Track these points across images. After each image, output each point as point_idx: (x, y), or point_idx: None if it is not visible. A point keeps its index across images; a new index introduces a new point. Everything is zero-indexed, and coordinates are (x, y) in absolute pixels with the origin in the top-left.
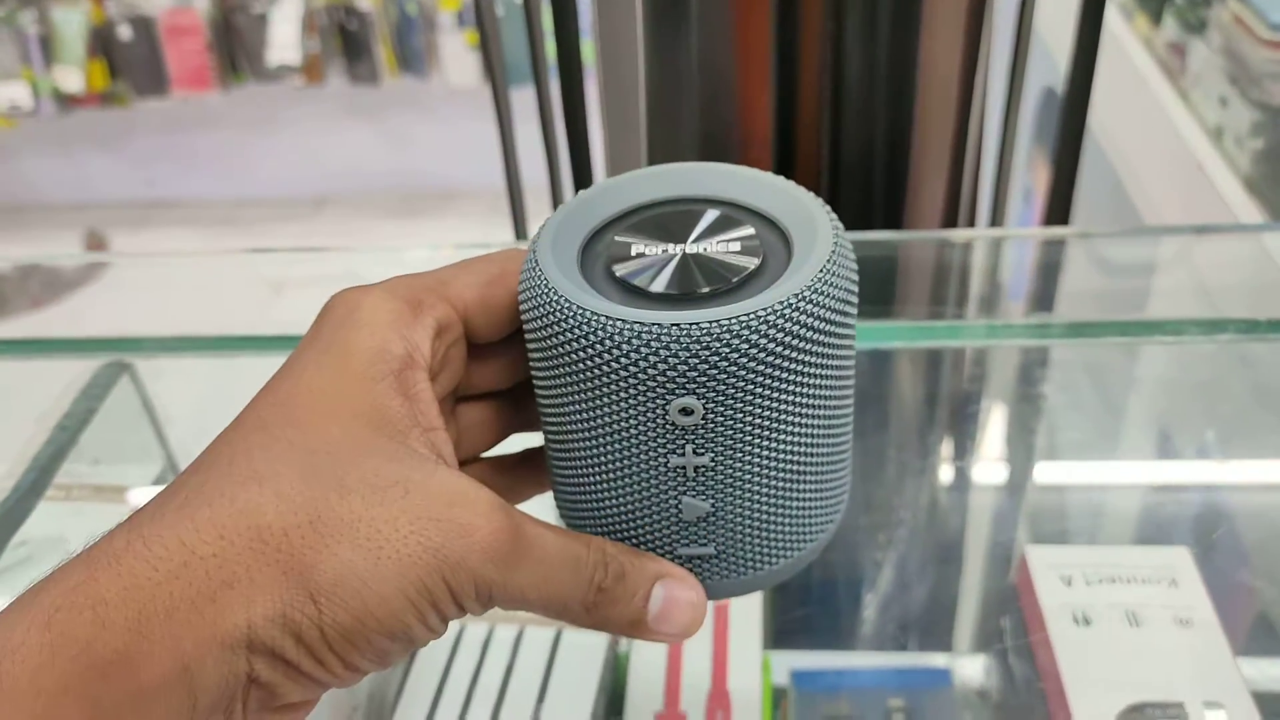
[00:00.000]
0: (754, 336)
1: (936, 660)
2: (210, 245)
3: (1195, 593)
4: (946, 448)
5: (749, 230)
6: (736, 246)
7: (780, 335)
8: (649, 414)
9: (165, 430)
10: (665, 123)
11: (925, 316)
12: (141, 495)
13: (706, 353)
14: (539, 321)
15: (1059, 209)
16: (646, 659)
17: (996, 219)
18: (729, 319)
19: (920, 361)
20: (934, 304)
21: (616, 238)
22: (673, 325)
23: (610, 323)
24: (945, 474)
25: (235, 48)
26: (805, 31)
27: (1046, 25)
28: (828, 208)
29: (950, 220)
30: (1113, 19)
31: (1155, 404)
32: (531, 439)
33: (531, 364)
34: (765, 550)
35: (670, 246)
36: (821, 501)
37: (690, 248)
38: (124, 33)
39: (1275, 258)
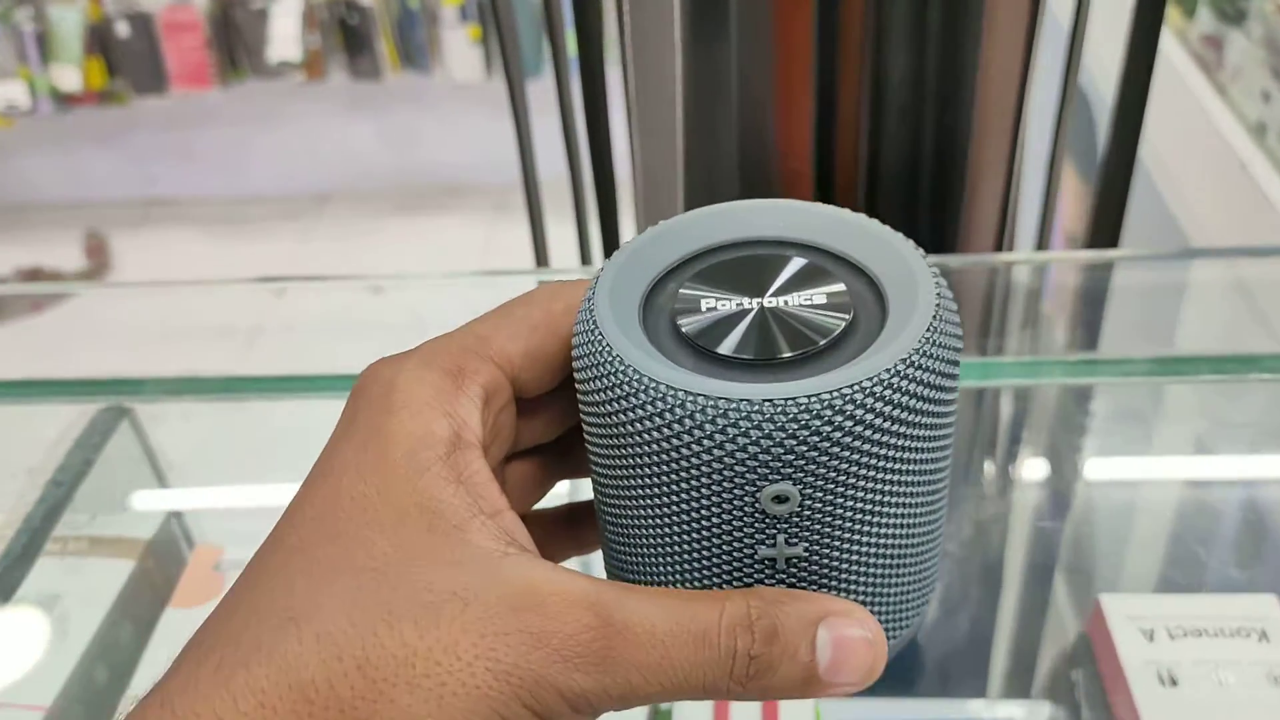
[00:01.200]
0: (860, 412)
1: (1001, 712)
2: (211, 244)
3: None
4: (1004, 483)
5: (837, 284)
6: (822, 300)
7: (889, 409)
8: (736, 502)
9: (168, 478)
10: (702, 129)
11: (983, 349)
12: (141, 551)
13: (806, 433)
14: (601, 392)
15: (1106, 232)
16: (692, 708)
17: (1042, 241)
18: (832, 393)
19: (971, 391)
20: (990, 332)
21: (683, 289)
22: (765, 402)
23: (690, 399)
24: (1006, 512)
25: (235, 44)
26: (846, 34)
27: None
28: (924, 254)
29: (1000, 242)
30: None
31: (1232, 442)
32: (578, 485)
33: (587, 429)
34: None
35: (745, 300)
36: (920, 583)
37: (769, 301)
38: (122, 30)
39: None
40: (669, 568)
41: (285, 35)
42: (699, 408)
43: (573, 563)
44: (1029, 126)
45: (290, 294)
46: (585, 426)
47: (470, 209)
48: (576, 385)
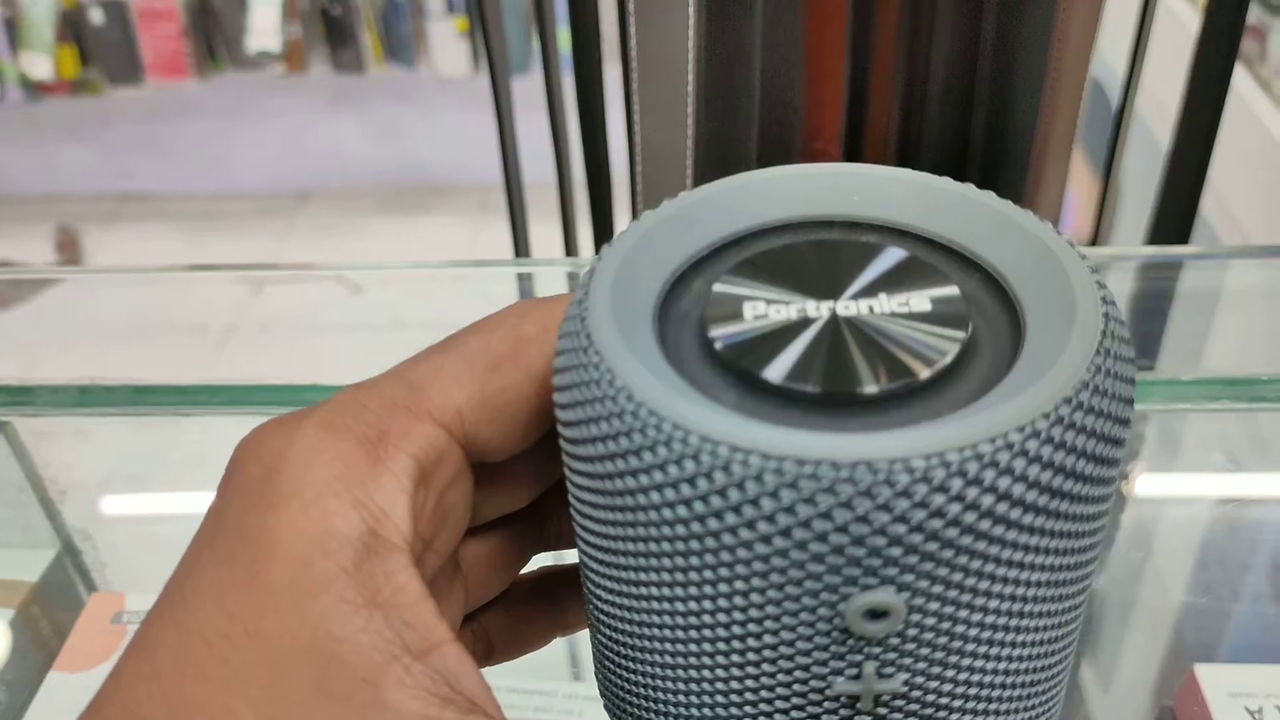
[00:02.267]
0: (1006, 481)
1: None
2: (187, 241)
3: None
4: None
5: (947, 285)
6: (925, 307)
7: (1046, 474)
8: (805, 615)
9: (60, 507)
10: (717, 104)
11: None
12: (24, 597)
13: (924, 514)
14: (597, 443)
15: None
16: None
17: (1100, 236)
18: (964, 450)
19: None
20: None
21: (718, 287)
22: (859, 465)
23: (739, 458)
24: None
25: (213, 34)
26: (885, 1)
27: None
28: (1074, 245)
29: None
30: (1186, 13)
31: None
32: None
33: (575, 494)
34: None
35: (810, 304)
36: (1050, 712)
37: (845, 308)
38: (96, 17)
39: None
40: (692, 703)
41: (265, 25)
42: (754, 472)
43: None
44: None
45: (264, 291)
46: (573, 489)
47: (455, 208)
48: (561, 431)
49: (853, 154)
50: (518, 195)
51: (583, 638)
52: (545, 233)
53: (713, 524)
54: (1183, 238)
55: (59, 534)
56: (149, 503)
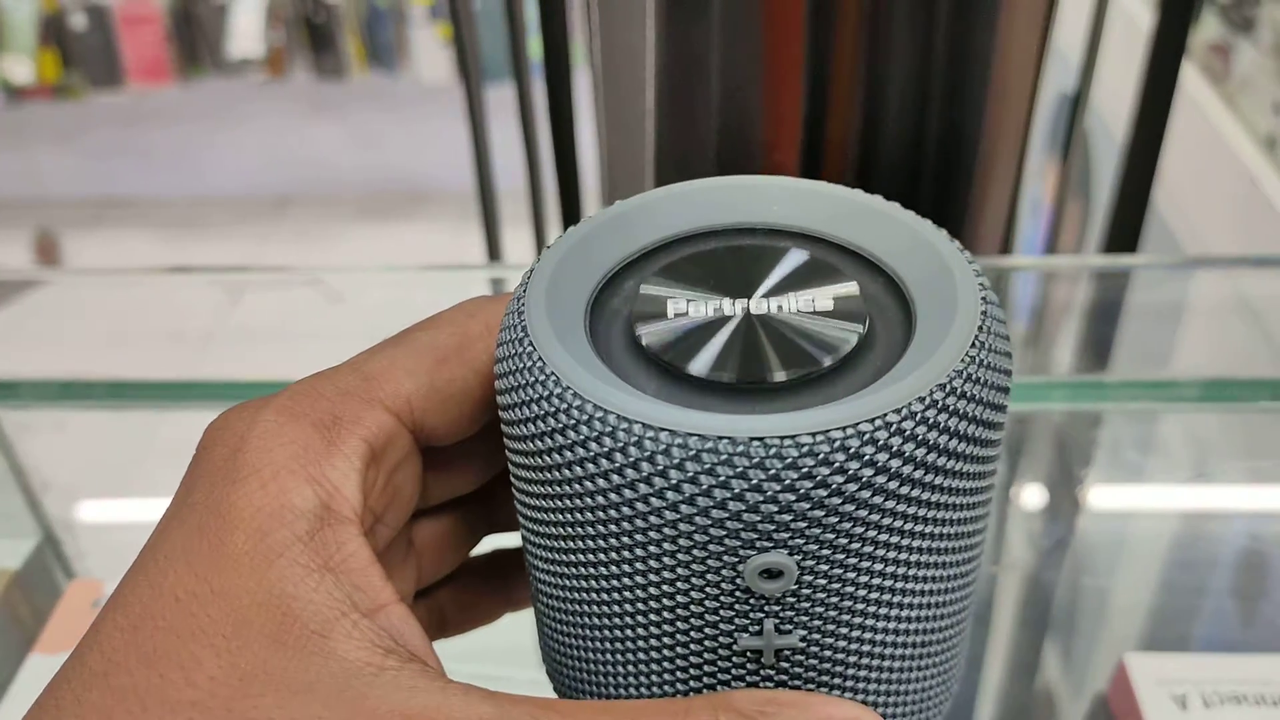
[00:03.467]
0: (884, 456)
1: None
2: (166, 246)
3: None
4: (1006, 522)
5: (848, 284)
6: (828, 304)
7: (922, 451)
8: (711, 576)
9: (42, 499)
10: (676, 114)
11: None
12: (6, 584)
13: (810, 484)
14: (531, 423)
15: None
16: None
17: (1058, 242)
18: (847, 430)
19: None
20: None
21: (644, 287)
22: (754, 441)
23: (651, 436)
24: (1008, 556)
25: (195, 38)
26: (843, 11)
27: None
28: (963, 250)
29: (1006, 243)
30: (1143, 16)
31: (1267, 474)
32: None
33: (514, 474)
34: None
35: (727, 303)
36: (945, 675)
37: (758, 306)
38: (78, 21)
39: None
40: (618, 660)
41: (247, 31)
42: (662, 447)
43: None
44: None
45: (243, 299)
46: (512, 470)
47: (436, 216)
48: (501, 415)
49: (811, 164)
50: (491, 202)
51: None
52: (521, 238)
53: (628, 494)
54: (1135, 236)
55: (40, 524)
56: (127, 495)
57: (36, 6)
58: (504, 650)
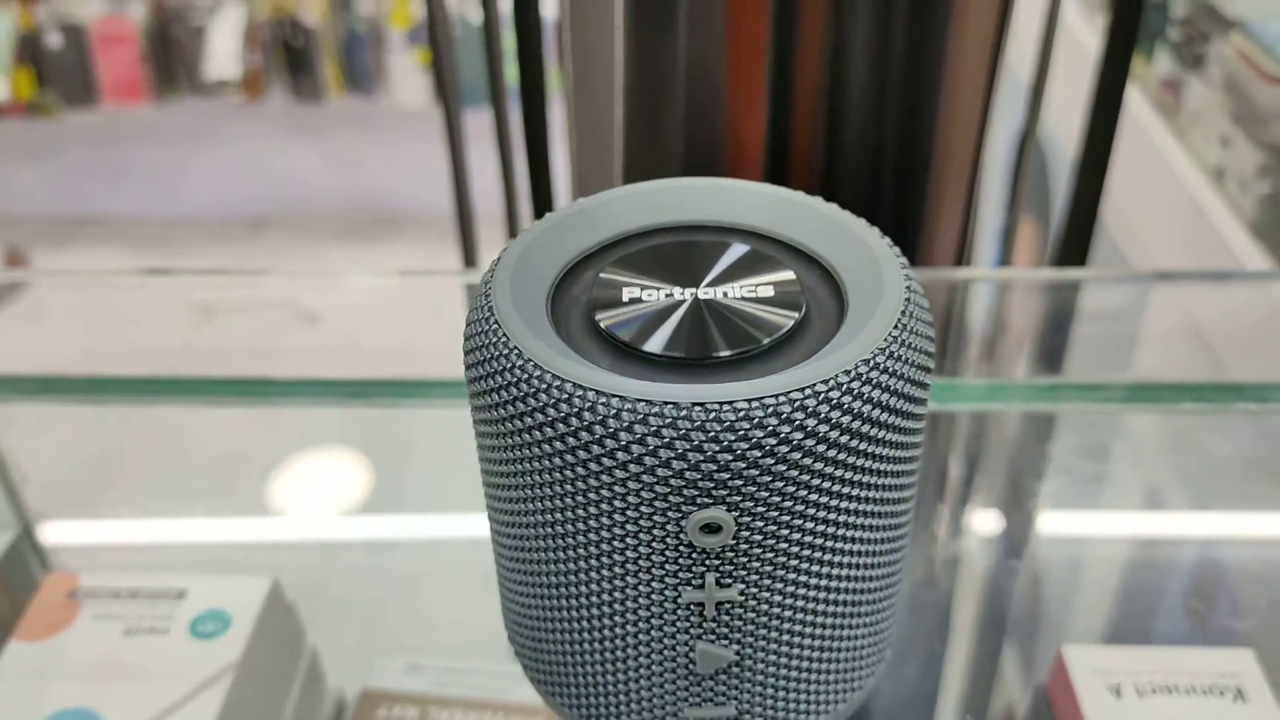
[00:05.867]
0: (813, 422)
1: None
2: (140, 266)
3: (1265, 705)
4: (953, 521)
5: (785, 272)
6: (768, 291)
7: (848, 419)
8: (656, 531)
9: (20, 492)
10: (644, 133)
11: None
12: None
13: (746, 445)
14: (496, 393)
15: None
16: None
17: (1005, 258)
18: (778, 397)
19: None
20: (956, 354)
21: (603, 275)
22: (695, 406)
23: (602, 400)
24: (953, 553)
25: (172, 59)
26: (805, 33)
27: (1018, 55)
28: (891, 244)
29: (961, 256)
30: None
31: (1212, 480)
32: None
33: (481, 443)
34: (802, 707)
35: (677, 290)
36: (877, 635)
37: (705, 293)
38: (53, 40)
39: None
40: (573, 617)
41: (224, 52)
42: (612, 411)
43: (476, 579)
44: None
45: (216, 317)
46: (480, 446)
47: (412, 239)
48: (470, 388)
49: (774, 179)
50: (469, 223)
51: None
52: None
53: (582, 454)
54: (1084, 252)
55: (19, 516)
56: (105, 489)
57: (12, 24)
58: (472, 644)
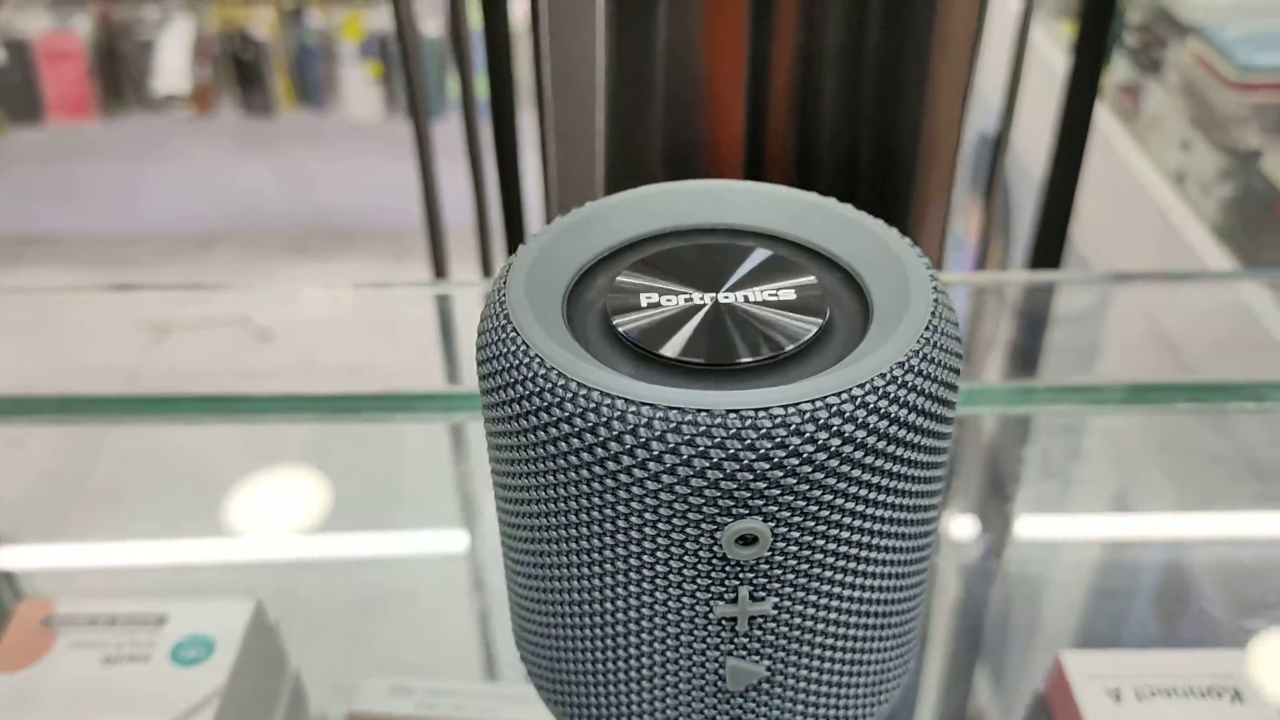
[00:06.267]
0: (851, 427)
1: None
2: (90, 285)
3: (1264, 705)
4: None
5: (809, 278)
6: (790, 296)
7: (885, 423)
8: (689, 545)
9: None
10: (626, 136)
11: None
12: None
13: (783, 453)
14: (513, 404)
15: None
16: None
17: (982, 261)
18: (815, 402)
19: None
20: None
21: (620, 278)
22: (730, 413)
23: (632, 409)
24: (945, 559)
25: (119, 75)
26: (781, 33)
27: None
28: (917, 249)
29: (941, 260)
30: (1056, 59)
31: (1203, 479)
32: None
33: (495, 457)
34: None
35: (696, 295)
36: (901, 648)
37: (725, 297)
38: None
39: (1252, 310)
40: (594, 634)
41: (173, 67)
42: (643, 420)
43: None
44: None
45: (170, 336)
46: (494, 459)
47: (367, 254)
48: (484, 401)
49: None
50: (439, 236)
51: (496, 639)
52: (463, 272)
53: (611, 465)
54: (1056, 259)
55: None
56: (69, 511)
57: None
58: (455, 663)
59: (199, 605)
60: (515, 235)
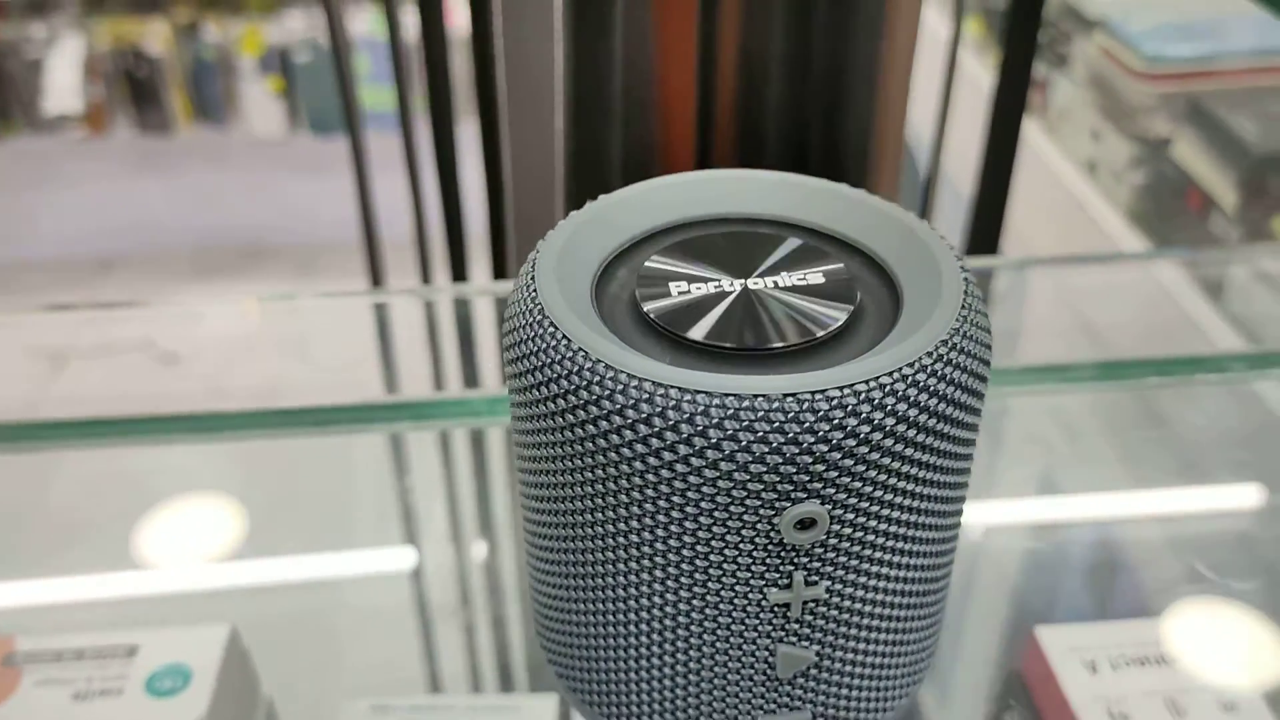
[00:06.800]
0: (904, 406)
1: None
2: None
3: (1234, 669)
4: None
5: (837, 265)
6: (819, 279)
7: (934, 401)
8: (745, 531)
9: None
10: (587, 138)
11: None
12: None
13: (841, 435)
14: (557, 401)
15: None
16: None
17: None
18: (869, 383)
19: None
20: None
21: (648, 263)
22: (787, 397)
23: (687, 398)
24: None
25: (6, 95)
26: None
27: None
28: (945, 238)
29: None
30: (965, 57)
31: (1166, 451)
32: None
33: (528, 452)
34: (872, 704)
35: (724, 280)
36: (934, 628)
37: (754, 284)
38: None
39: (1167, 289)
40: (640, 630)
41: (64, 86)
42: (699, 408)
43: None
44: None
45: (70, 364)
46: (525, 449)
47: (272, 273)
48: (518, 396)
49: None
50: (376, 250)
51: (480, 651)
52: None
53: (667, 456)
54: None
55: None
56: (37, 542)
57: None
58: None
59: (172, 633)
60: (457, 246)
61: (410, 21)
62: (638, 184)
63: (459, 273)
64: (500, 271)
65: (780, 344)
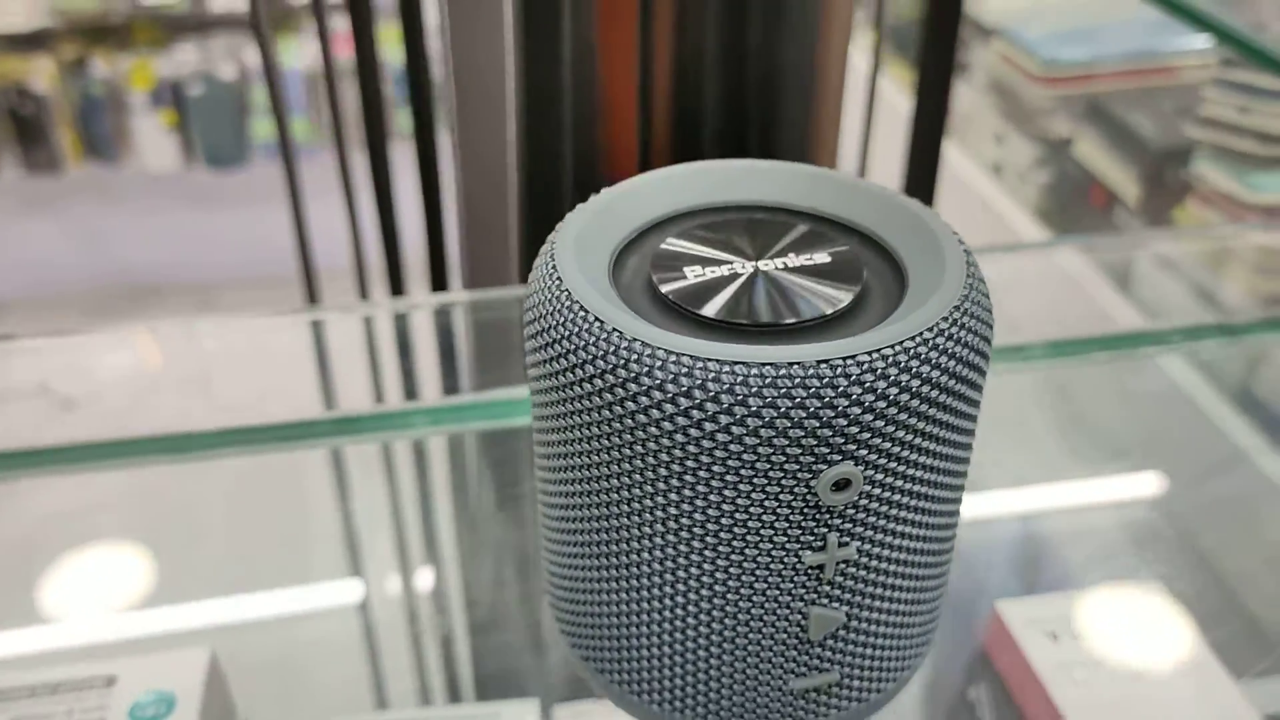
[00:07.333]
0: (927, 369)
1: None
2: None
3: (1182, 629)
4: None
5: (843, 248)
6: (826, 259)
7: (953, 363)
8: (783, 496)
9: None
10: (538, 147)
11: None
12: None
13: (873, 397)
14: (590, 382)
15: None
16: None
17: None
18: (895, 346)
19: None
20: None
21: (663, 245)
22: (821, 363)
23: (726, 370)
24: None
25: None
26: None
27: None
28: (948, 223)
29: None
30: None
31: (1101, 428)
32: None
33: (554, 435)
34: (893, 664)
35: (736, 262)
36: (944, 588)
37: (765, 265)
38: None
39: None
40: (672, 602)
41: None
42: (738, 379)
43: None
44: None
45: None
46: (549, 432)
47: (172, 309)
48: (546, 381)
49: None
50: (313, 282)
51: (459, 657)
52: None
53: (708, 426)
54: None
55: None
56: None
57: None
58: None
59: (151, 659)
60: (394, 264)
61: (310, 51)
62: (643, 175)
63: (397, 291)
64: (440, 285)
65: (794, 320)
